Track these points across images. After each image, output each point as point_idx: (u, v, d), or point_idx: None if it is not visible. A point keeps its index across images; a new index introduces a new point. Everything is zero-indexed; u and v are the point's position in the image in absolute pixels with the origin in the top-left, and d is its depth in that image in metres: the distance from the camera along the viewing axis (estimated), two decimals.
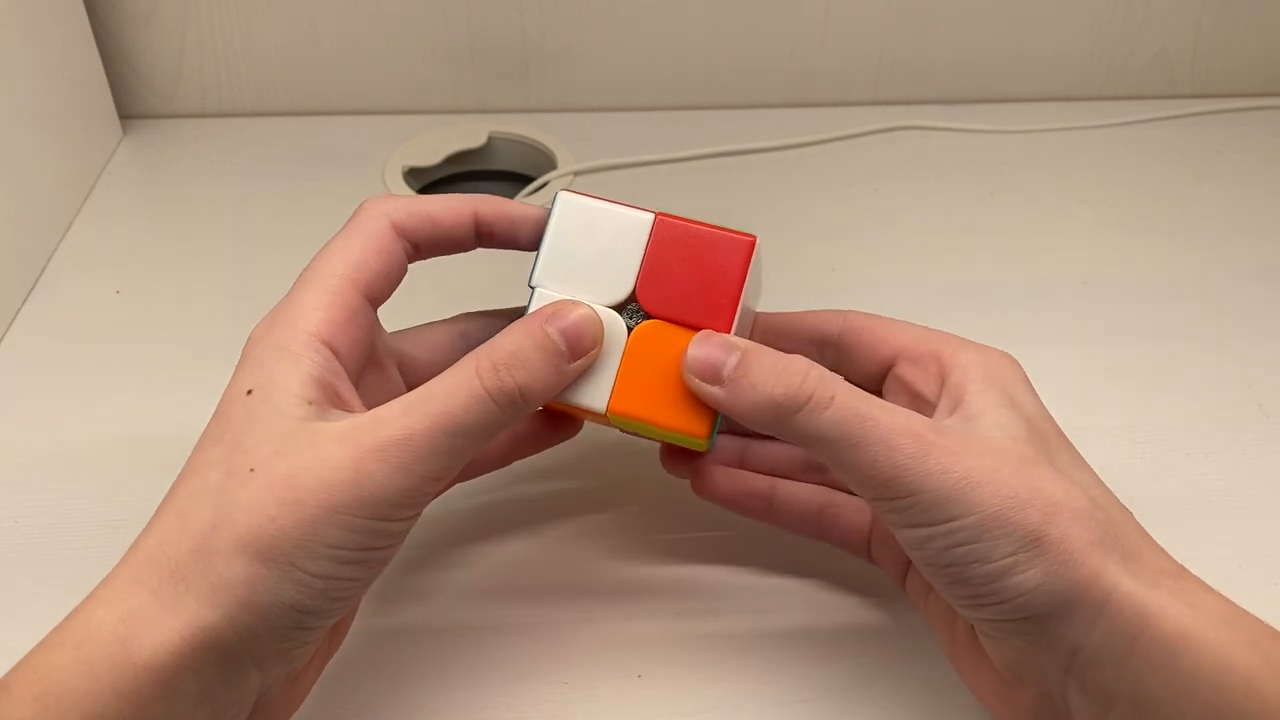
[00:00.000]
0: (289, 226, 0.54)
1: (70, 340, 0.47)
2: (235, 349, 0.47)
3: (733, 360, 0.29)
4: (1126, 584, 0.27)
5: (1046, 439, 0.30)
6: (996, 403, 0.30)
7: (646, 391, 0.31)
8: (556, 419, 0.36)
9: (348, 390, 0.30)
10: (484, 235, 0.33)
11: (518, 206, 0.33)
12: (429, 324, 0.35)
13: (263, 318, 0.30)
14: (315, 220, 0.55)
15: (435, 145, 0.61)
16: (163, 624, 0.25)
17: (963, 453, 0.28)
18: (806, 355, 0.31)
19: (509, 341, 0.29)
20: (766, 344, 0.31)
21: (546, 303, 0.31)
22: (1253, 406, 0.45)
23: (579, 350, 0.30)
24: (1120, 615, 0.27)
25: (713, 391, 0.30)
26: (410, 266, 0.33)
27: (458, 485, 0.36)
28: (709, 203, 0.57)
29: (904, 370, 0.33)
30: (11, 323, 0.48)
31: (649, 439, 0.34)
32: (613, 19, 0.61)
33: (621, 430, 0.34)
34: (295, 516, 0.26)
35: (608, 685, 0.34)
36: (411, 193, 0.57)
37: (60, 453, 0.42)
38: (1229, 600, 0.28)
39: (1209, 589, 0.28)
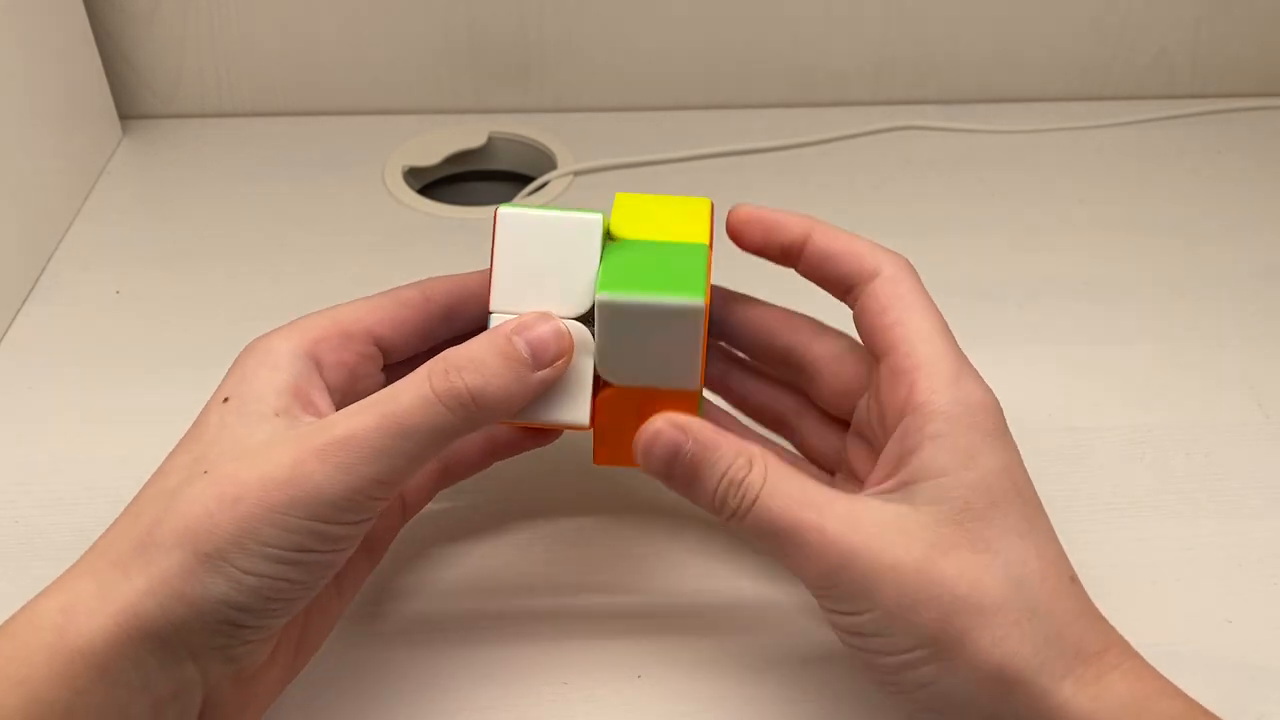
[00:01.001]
0: (289, 226, 0.54)
1: (70, 340, 0.47)
2: (236, 349, 0.47)
3: (681, 463, 0.29)
4: (1031, 680, 0.27)
5: (991, 505, 0.28)
6: (944, 465, 0.29)
7: (624, 445, 0.30)
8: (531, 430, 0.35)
9: (324, 402, 0.30)
10: (443, 330, 0.34)
11: (448, 277, 0.34)
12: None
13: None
14: (315, 220, 0.55)
15: (435, 145, 0.61)
16: (100, 611, 0.26)
17: (867, 548, 0.28)
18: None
19: (469, 346, 0.29)
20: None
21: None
22: (1253, 406, 0.45)
23: (543, 359, 0.29)
24: (1020, 713, 0.27)
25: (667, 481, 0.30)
26: None
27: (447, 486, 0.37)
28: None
29: (882, 373, 0.32)
30: (12, 323, 0.48)
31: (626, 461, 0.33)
32: (613, 19, 0.61)
33: (603, 433, 0.33)
34: (232, 513, 0.26)
35: (608, 685, 0.34)
36: (412, 193, 0.57)
37: (60, 452, 0.42)
38: (1144, 679, 0.27)
39: (1126, 670, 0.27)
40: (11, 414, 0.43)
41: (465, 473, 0.36)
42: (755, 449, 0.29)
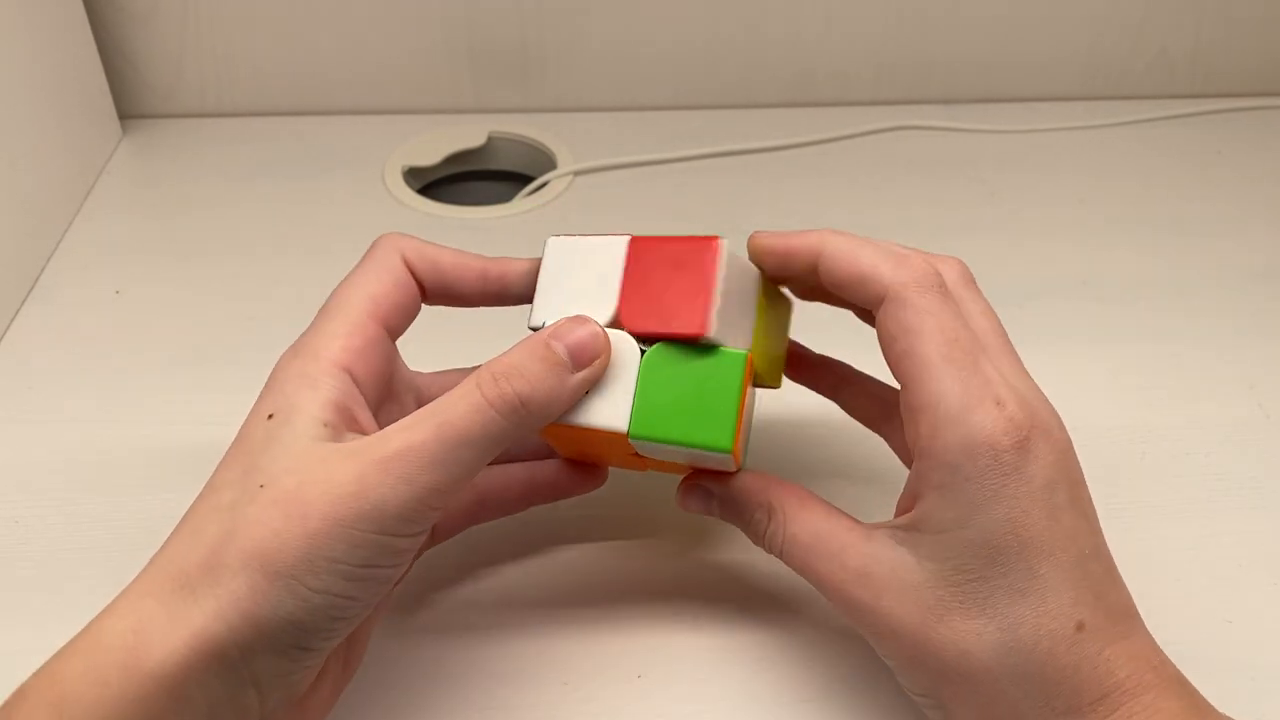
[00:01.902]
0: (289, 226, 0.54)
1: (70, 340, 0.47)
2: (235, 349, 0.48)
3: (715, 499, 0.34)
4: None
5: (991, 564, 0.28)
6: (942, 522, 0.29)
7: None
8: (578, 467, 0.36)
9: (365, 416, 0.30)
10: (491, 295, 0.34)
11: (516, 261, 0.34)
12: (454, 369, 0.36)
13: (288, 348, 0.31)
14: (315, 220, 0.55)
15: (435, 145, 0.61)
16: (170, 634, 0.26)
17: (873, 607, 0.30)
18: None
19: (510, 353, 0.29)
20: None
21: None
22: (1253, 406, 0.45)
23: (581, 360, 0.30)
24: None
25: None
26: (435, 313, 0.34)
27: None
28: (709, 203, 0.57)
29: (901, 407, 0.31)
30: (11, 323, 0.48)
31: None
32: (613, 19, 0.61)
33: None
34: (300, 530, 0.26)
35: (608, 685, 0.34)
36: (412, 193, 0.57)
37: (60, 453, 0.42)
38: (1169, 709, 0.27)
39: (1149, 702, 0.28)
40: (11, 414, 0.43)
41: (500, 512, 0.36)
42: (775, 499, 0.32)
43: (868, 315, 0.33)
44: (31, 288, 0.50)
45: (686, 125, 0.62)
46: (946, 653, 0.28)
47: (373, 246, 0.33)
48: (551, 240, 0.33)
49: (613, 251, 0.32)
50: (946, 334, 0.29)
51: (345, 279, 0.33)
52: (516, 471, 0.36)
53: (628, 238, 0.32)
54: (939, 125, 0.63)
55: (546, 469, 0.36)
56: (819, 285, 0.33)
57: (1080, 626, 0.28)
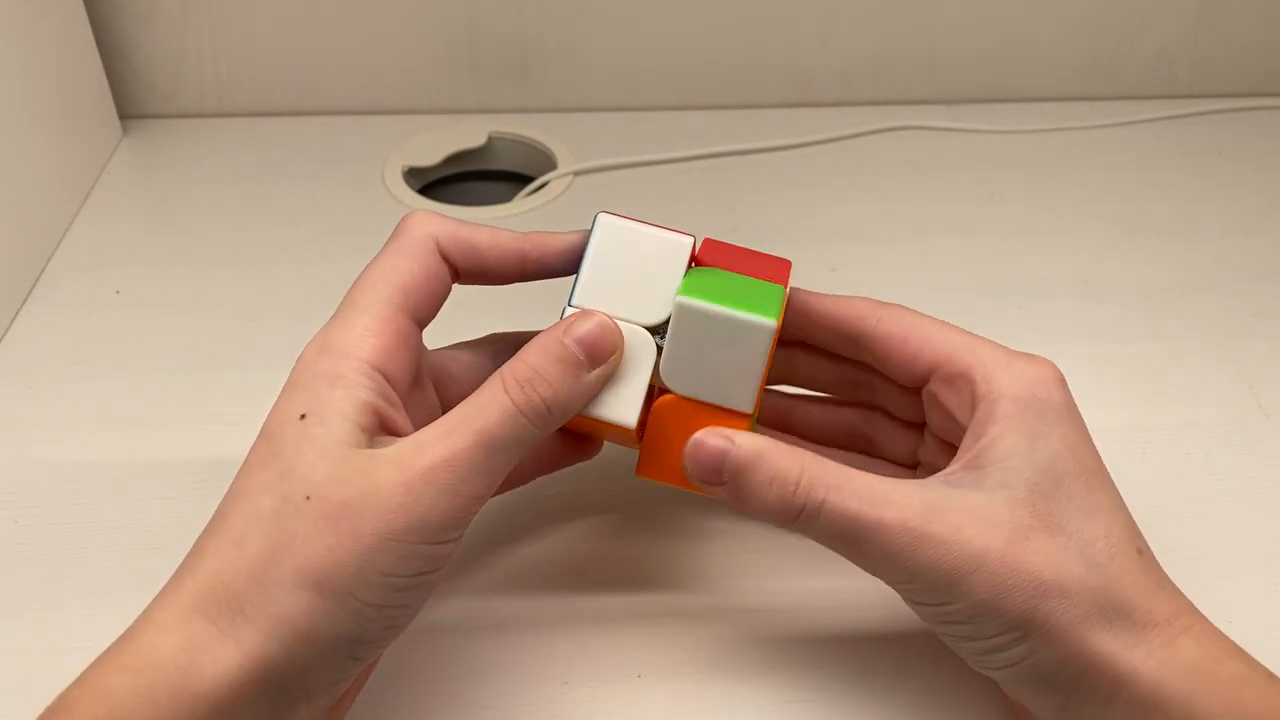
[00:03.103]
0: (289, 226, 0.54)
1: (70, 340, 0.47)
2: (235, 349, 0.48)
3: (729, 465, 0.30)
4: (1107, 651, 0.28)
5: (1058, 486, 0.30)
6: (1010, 449, 0.30)
7: (672, 462, 0.32)
8: (575, 439, 0.36)
9: (399, 415, 0.30)
10: (528, 275, 0.34)
11: (556, 237, 0.33)
12: (462, 343, 0.36)
13: (312, 339, 0.30)
14: (315, 220, 0.55)
15: (435, 145, 0.61)
16: (222, 654, 0.26)
17: (951, 541, 0.28)
18: (838, 345, 0.34)
19: (530, 355, 0.30)
20: (796, 327, 0.34)
21: None
22: (1253, 406, 0.45)
23: (596, 358, 0.30)
24: (1098, 682, 0.28)
25: (715, 490, 0.31)
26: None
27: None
28: (709, 203, 0.57)
29: (938, 389, 0.33)
30: (11, 323, 0.48)
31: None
32: (613, 19, 0.61)
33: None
34: (353, 546, 0.26)
35: (608, 685, 0.34)
36: (412, 193, 0.57)
37: (60, 453, 0.42)
38: (1212, 643, 0.29)
39: (1195, 634, 0.29)
40: (11, 414, 0.43)
41: (506, 487, 0.36)
42: (807, 454, 0.30)
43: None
44: (31, 288, 0.50)
45: (686, 125, 0.62)
46: (1042, 570, 0.28)
47: (401, 228, 0.32)
48: (603, 217, 0.33)
49: (676, 250, 0.32)
50: (952, 326, 0.34)
51: (374, 262, 0.32)
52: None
53: (693, 239, 0.32)
54: (939, 125, 0.63)
55: (545, 442, 0.35)
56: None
57: (1140, 551, 0.30)
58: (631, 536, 0.39)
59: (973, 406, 0.31)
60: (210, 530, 0.28)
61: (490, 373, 0.30)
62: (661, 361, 0.32)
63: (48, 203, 0.52)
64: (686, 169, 0.60)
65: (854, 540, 0.29)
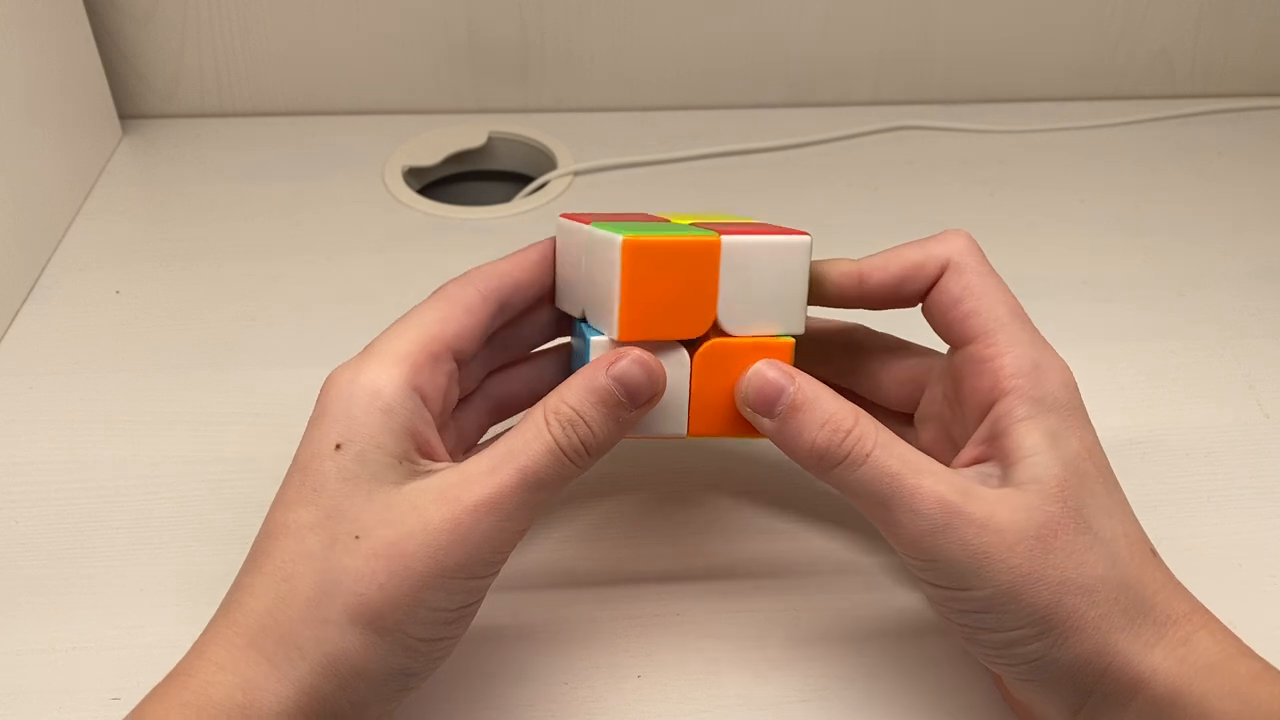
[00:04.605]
0: (289, 226, 0.54)
1: (70, 340, 0.47)
2: (235, 349, 0.47)
3: (785, 400, 0.30)
4: (1126, 650, 0.28)
5: (1082, 484, 0.30)
6: (1036, 445, 0.30)
7: (719, 409, 0.32)
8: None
9: (435, 438, 0.30)
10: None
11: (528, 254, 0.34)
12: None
13: (340, 367, 0.30)
14: (315, 220, 0.55)
15: (435, 145, 0.61)
16: (280, 693, 0.26)
17: (984, 524, 0.28)
18: (877, 299, 0.33)
19: (571, 396, 0.29)
20: (844, 280, 0.33)
21: (591, 337, 0.31)
22: (1253, 406, 0.45)
23: (639, 401, 0.30)
24: (1117, 682, 0.29)
25: (762, 422, 0.31)
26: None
27: None
28: (709, 203, 0.57)
29: (964, 363, 0.32)
30: (11, 323, 0.48)
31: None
32: (613, 19, 0.61)
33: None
34: (404, 584, 0.27)
35: (608, 685, 0.34)
36: (412, 193, 0.57)
37: (59, 453, 0.42)
38: (1226, 641, 0.29)
39: (1210, 632, 0.29)
40: (11, 414, 0.43)
41: (513, 412, 0.37)
42: (859, 408, 0.30)
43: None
44: (31, 288, 0.50)
45: (686, 125, 0.63)
46: (1068, 565, 0.28)
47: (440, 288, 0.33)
48: (559, 220, 0.34)
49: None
50: (1008, 295, 0.32)
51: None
52: (526, 375, 0.37)
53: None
54: (939, 125, 0.63)
55: (550, 370, 0.37)
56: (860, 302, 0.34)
57: (1154, 552, 0.30)
58: (632, 536, 0.39)
59: (990, 395, 0.31)
60: (255, 568, 0.28)
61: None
62: (719, 307, 0.31)
63: (48, 203, 0.52)
64: (686, 169, 0.60)
65: (888, 500, 0.29)
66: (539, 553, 0.38)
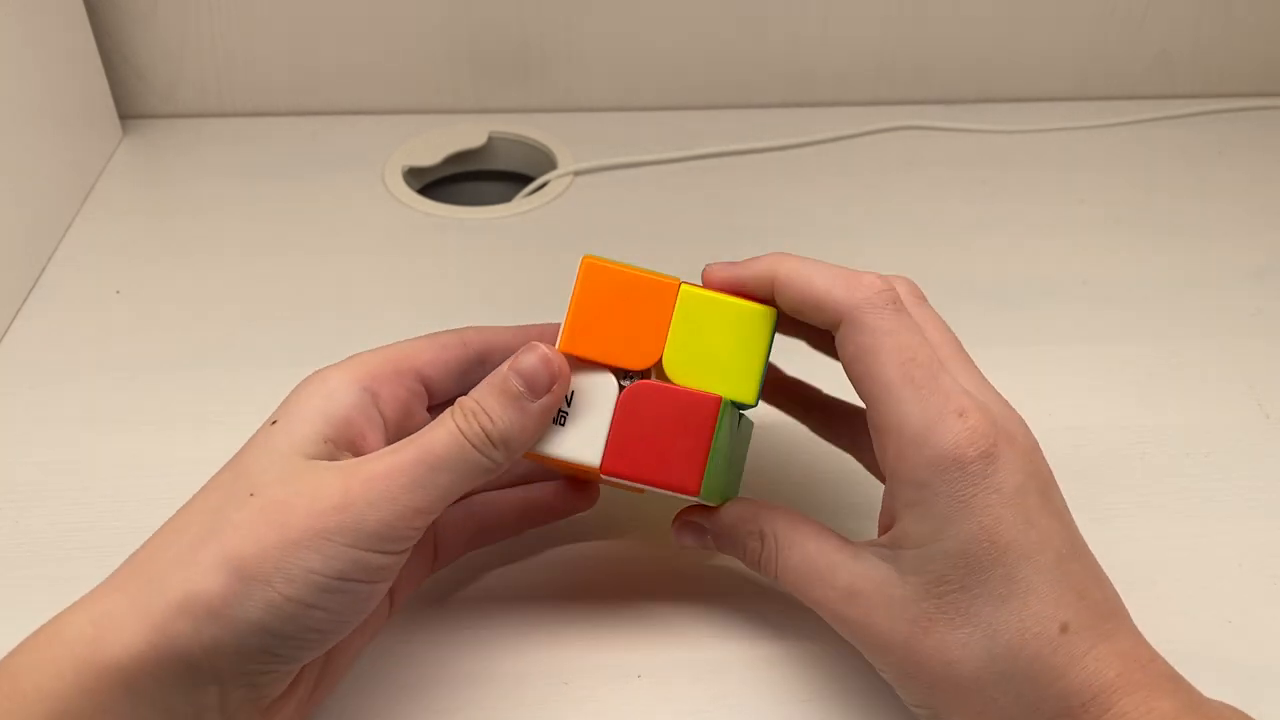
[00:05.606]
0: (289, 226, 0.54)
1: (70, 340, 0.47)
2: (235, 349, 0.47)
3: (708, 542, 0.35)
4: None
5: (969, 574, 0.28)
6: (920, 537, 0.29)
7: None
8: (573, 489, 0.37)
9: (375, 435, 0.31)
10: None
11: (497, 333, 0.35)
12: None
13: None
14: (315, 220, 0.55)
15: (435, 145, 0.61)
16: (131, 627, 0.26)
17: (864, 626, 0.31)
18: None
19: (478, 389, 0.30)
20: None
21: None
22: (1253, 406, 0.45)
23: (538, 389, 0.30)
24: None
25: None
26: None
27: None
28: (709, 203, 0.57)
29: (871, 435, 0.31)
30: (11, 323, 0.48)
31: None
32: (613, 19, 0.61)
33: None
34: (279, 537, 0.27)
35: (608, 685, 0.34)
36: (412, 193, 0.57)
37: (60, 452, 0.42)
38: (1153, 702, 0.27)
39: (1119, 713, 0.27)
40: (12, 414, 0.43)
41: (500, 535, 0.37)
42: (766, 525, 0.33)
43: (821, 342, 0.34)
44: (32, 288, 0.50)
45: (686, 125, 0.62)
46: (934, 664, 0.29)
47: None
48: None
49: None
50: (904, 352, 0.29)
51: None
52: (512, 496, 0.37)
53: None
54: (939, 125, 0.63)
55: (541, 492, 0.37)
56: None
57: (1064, 628, 0.28)
58: (632, 536, 0.39)
59: (886, 469, 0.30)
60: (163, 524, 0.29)
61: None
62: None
63: (48, 203, 0.52)
64: (686, 169, 0.60)
65: (800, 594, 0.32)
66: (538, 553, 0.38)
